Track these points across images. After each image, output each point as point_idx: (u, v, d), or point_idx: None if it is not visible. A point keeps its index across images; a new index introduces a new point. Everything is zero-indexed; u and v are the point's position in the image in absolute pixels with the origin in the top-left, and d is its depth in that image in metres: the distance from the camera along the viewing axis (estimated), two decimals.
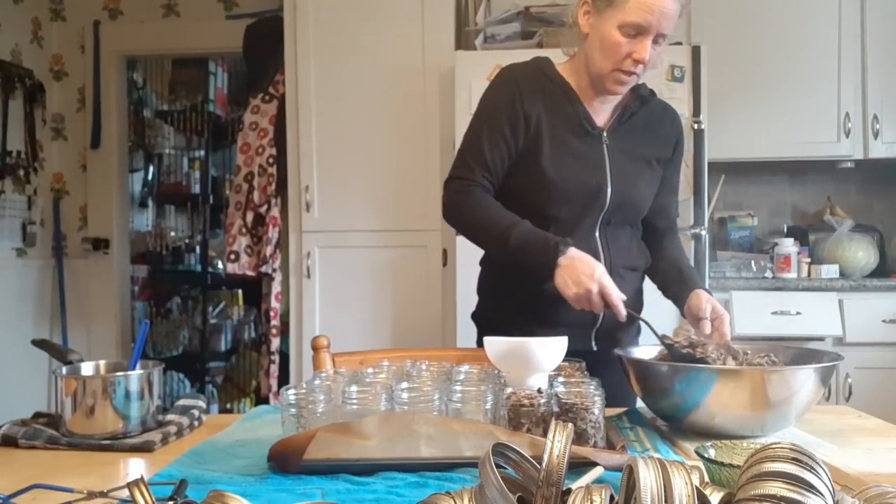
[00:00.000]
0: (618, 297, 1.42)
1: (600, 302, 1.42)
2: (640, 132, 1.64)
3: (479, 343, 1.73)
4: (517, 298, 1.60)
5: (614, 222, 1.62)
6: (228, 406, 4.47)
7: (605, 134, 1.60)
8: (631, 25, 1.47)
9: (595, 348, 1.58)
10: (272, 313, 3.45)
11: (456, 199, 1.60)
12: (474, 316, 1.77)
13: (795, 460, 0.62)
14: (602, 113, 1.63)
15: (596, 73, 1.56)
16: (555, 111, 1.59)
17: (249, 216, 3.44)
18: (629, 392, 1.63)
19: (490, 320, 1.72)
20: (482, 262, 1.75)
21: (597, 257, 1.58)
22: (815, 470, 0.61)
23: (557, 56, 1.68)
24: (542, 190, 1.57)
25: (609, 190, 1.58)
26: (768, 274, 3.22)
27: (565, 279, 1.43)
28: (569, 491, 0.65)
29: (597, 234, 1.60)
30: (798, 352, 1.34)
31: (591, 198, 1.57)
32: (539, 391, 1.08)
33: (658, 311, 1.65)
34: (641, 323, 1.73)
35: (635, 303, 1.71)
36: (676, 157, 1.72)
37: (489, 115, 1.60)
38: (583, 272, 1.42)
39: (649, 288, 1.71)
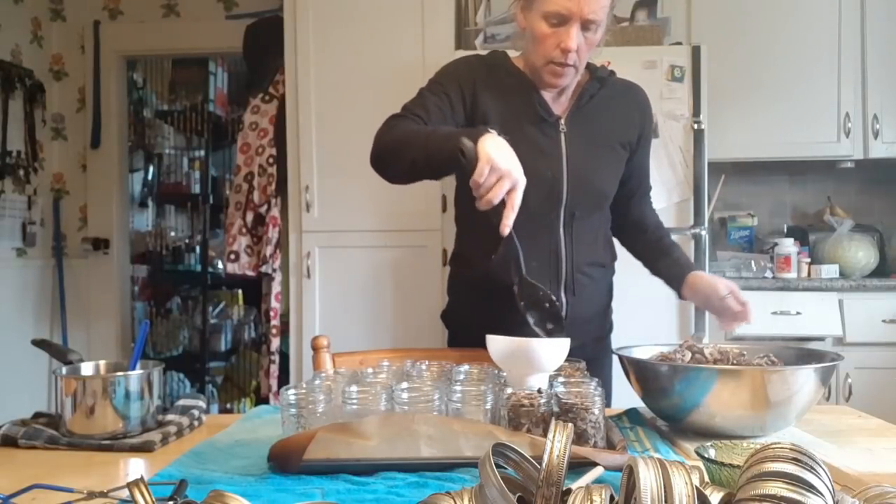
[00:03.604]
0: (517, 205, 1.26)
1: (504, 193, 1.24)
2: (600, 116, 1.61)
3: (450, 343, 1.74)
4: (485, 298, 1.58)
5: (579, 215, 1.58)
6: (228, 406, 4.47)
7: (562, 122, 1.58)
8: (553, 15, 1.46)
9: None
10: (272, 313, 3.45)
11: (384, 127, 1.51)
12: (444, 315, 1.76)
13: (795, 460, 0.62)
14: (559, 102, 1.60)
15: (533, 67, 1.55)
16: (510, 101, 1.57)
17: (249, 216, 3.44)
18: (607, 391, 1.64)
19: (458, 320, 1.72)
20: (451, 262, 1.74)
21: (559, 255, 1.57)
22: (815, 470, 0.61)
23: None
24: None
25: (564, 181, 1.55)
26: (768, 274, 3.22)
27: (494, 145, 1.26)
28: (569, 491, 0.65)
29: (561, 230, 1.57)
30: (798, 352, 1.33)
31: (545, 189, 1.53)
32: (539, 391, 1.08)
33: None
34: (613, 320, 1.74)
35: (605, 298, 1.71)
36: (645, 136, 1.68)
37: (437, 80, 1.58)
38: (513, 158, 1.26)
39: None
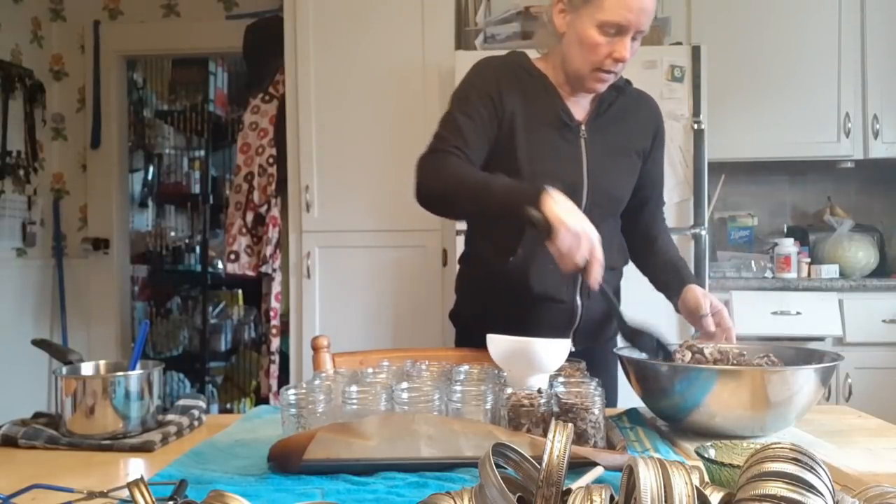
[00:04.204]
0: (602, 260, 1.33)
1: (587, 252, 1.31)
2: (617, 123, 1.61)
3: (458, 343, 1.73)
4: (496, 298, 1.58)
5: (596, 220, 1.56)
6: (228, 406, 4.47)
7: (583, 127, 1.57)
8: (611, 24, 1.43)
9: (573, 349, 1.58)
10: (272, 313, 3.45)
11: (430, 167, 1.50)
12: (452, 315, 1.75)
13: (795, 460, 0.62)
14: (579, 106, 1.60)
15: (575, 73, 1.53)
16: (533, 104, 1.55)
17: (249, 216, 3.44)
18: (613, 391, 1.63)
19: (468, 319, 1.71)
20: (461, 262, 1.74)
21: None
22: (815, 470, 0.61)
23: None
24: None
25: (585, 187, 1.55)
26: (768, 274, 3.22)
27: (561, 208, 1.32)
28: (569, 491, 0.65)
29: None
30: (798, 352, 1.33)
31: (566, 194, 1.51)
32: (539, 391, 1.08)
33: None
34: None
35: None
36: (657, 145, 1.68)
37: (466, 97, 1.56)
38: (580, 215, 1.33)
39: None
